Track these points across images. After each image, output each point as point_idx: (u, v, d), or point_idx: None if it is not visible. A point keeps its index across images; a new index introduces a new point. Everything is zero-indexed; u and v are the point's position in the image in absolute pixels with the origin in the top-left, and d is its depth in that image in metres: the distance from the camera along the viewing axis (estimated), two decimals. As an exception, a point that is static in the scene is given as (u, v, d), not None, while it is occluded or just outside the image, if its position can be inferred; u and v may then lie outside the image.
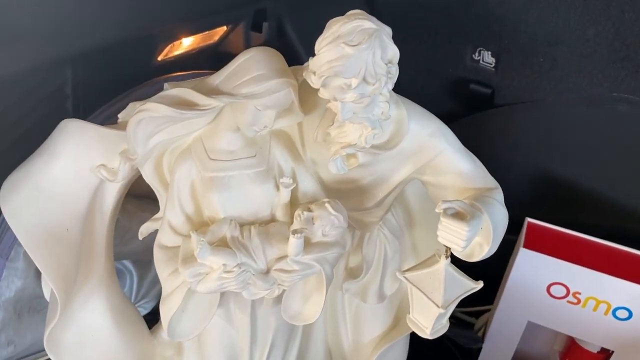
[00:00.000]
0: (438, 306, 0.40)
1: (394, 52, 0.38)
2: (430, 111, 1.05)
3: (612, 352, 0.70)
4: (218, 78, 0.40)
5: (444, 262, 0.40)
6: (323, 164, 0.45)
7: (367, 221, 0.49)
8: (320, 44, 0.37)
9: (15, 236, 0.54)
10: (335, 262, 0.44)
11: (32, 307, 0.57)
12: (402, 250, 0.54)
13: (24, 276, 0.55)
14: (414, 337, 0.64)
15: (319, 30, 0.85)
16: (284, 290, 0.44)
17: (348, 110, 0.38)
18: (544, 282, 0.69)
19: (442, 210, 0.39)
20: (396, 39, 0.92)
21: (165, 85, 0.46)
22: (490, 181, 0.45)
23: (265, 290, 0.42)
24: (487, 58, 0.84)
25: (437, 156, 0.44)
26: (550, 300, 0.70)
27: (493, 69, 0.84)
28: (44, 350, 0.61)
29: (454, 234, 0.38)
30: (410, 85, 0.94)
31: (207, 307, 0.44)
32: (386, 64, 0.37)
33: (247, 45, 0.72)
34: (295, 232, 0.40)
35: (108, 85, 0.60)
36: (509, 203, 0.93)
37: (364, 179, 0.45)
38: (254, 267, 0.41)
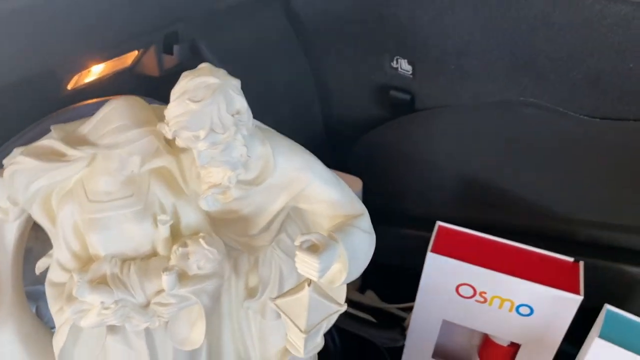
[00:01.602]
0: (301, 331, 0.43)
1: (240, 104, 0.40)
2: (358, 116, 1.08)
3: (520, 345, 0.74)
4: (87, 127, 0.43)
5: (307, 289, 0.43)
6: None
7: (257, 245, 0.52)
8: (171, 98, 0.40)
9: None
10: (216, 291, 0.47)
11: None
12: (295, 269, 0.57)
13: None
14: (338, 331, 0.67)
15: (235, 47, 0.86)
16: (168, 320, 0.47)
17: (205, 156, 0.40)
18: (453, 283, 0.73)
19: (298, 244, 0.42)
20: (319, 51, 0.95)
21: (52, 126, 0.48)
22: (358, 208, 0.48)
23: (146, 323, 0.45)
24: (404, 66, 0.87)
25: (307, 187, 0.47)
26: (460, 300, 0.73)
27: (411, 76, 0.87)
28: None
29: (308, 266, 0.41)
30: (336, 93, 0.97)
31: (96, 340, 0.47)
32: (233, 115, 0.40)
33: (162, 67, 0.74)
34: (165, 269, 0.43)
35: (18, 119, 0.62)
36: (427, 202, 0.97)
37: (243, 210, 0.48)
38: (133, 302, 0.44)
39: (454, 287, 0.73)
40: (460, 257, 0.71)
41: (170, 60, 0.74)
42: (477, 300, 0.73)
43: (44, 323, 0.59)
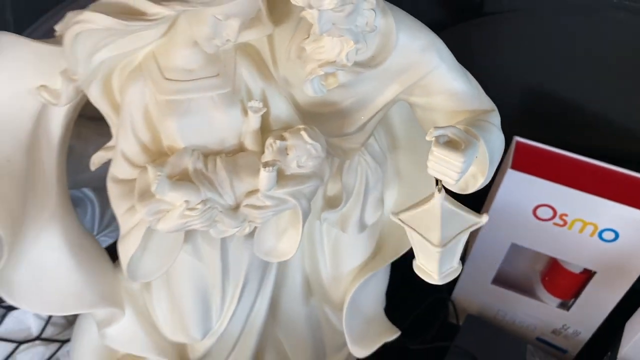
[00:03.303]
0: (434, 245, 0.36)
1: None
2: (423, 20, 0.98)
3: (595, 272, 0.69)
4: (169, -17, 0.34)
5: (439, 197, 0.36)
6: (298, 84, 0.39)
7: (347, 148, 0.44)
8: None
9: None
10: (313, 195, 0.39)
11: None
12: (384, 177, 0.50)
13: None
14: (394, 265, 0.62)
15: None
16: (255, 227, 0.40)
17: (326, 21, 0.32)
18: (530, 204, 0.66)
19: (433, 139, 0.34)
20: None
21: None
22: (487, 102, 0.40)
23: (235, 228, 0.38)
24: (477, -40, 0.77)
25: (428, 74, 0.38)
26: (536, 222, 0.67)
27: (483, -27, 0.77)
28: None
29: (447, 165, 0.33)
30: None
31: (171, 246, 0.40)
32: (373, -35, 0.31)
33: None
34: (266, 164, 0.35)
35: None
36: (496, 120, 0.88)
37: (344, 102, 0.40)
38: (221, 203, 0.37)
39: (531, 209, 0.67)
40: (543, 175, 0.64)
41: None
42: (555, 223, 0.67)
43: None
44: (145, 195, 0.36)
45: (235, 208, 0.37)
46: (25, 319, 0.61)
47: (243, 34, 0.35)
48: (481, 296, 0.78)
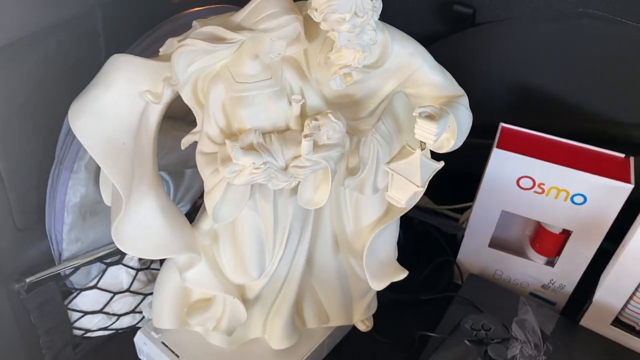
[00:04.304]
0: (418, 186, 0.52)
1: None
2: (419, 31, 1.15)
3: (572, 232, 0.84)
4: (239, 17, 0.51)
5: (418, 152, 0.53)
6: (325, 83, 0.56)
7: (362, 128, 0.61)
8: None
9: (77, 152, 0.66)
10: (338, 159, 0.56)
11: (94, 210, 0.70)
12: (391, 152, 0.66)
13: (86, 184, 0.67)
14: (403, 224, 0.77)
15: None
16: (299, 182, 0.57)
17: (344, 38, 0.49)
18: (514, 176, 0.81)
19: (417, 114, 0.51)
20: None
21: (194, 22, 0.56)
22: (458, 90, 0.56)
23: (285, 182, 0.54)
24: (468, -20, 0.93)
25: (415, 72, 0.55)
26: (519, 192, 0.82)
27: (473, -9, 0.93)
28: (103, 246, 0.75)
29: (427, 131, 0.50)
30: (401, 7, 1.03)
31: (240, 197, 0.57)
32: (372, 0, 0.48)
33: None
34: (306, 136, 0.52)
35: (133, 24, 0.70)
36: (487, 111, 1.05)
37: (357, 94, 0.57)
38: (276, 164, 0.53)
39: (514, 180, 0.82)
40: (522, 152, 0.80)
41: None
42: (535, 192, 0.82)
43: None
44: (226, 160, 0.53)
45: (285, 168, 0.54)
46: (119, 275, 0.78)
47: (288, 49, 0.52)
48: (481, 258, 0.92)
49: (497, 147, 0.81)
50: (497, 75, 0.97)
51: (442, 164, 0.54)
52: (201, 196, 0.84)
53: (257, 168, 0.52)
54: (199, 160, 0.56)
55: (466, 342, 0.72)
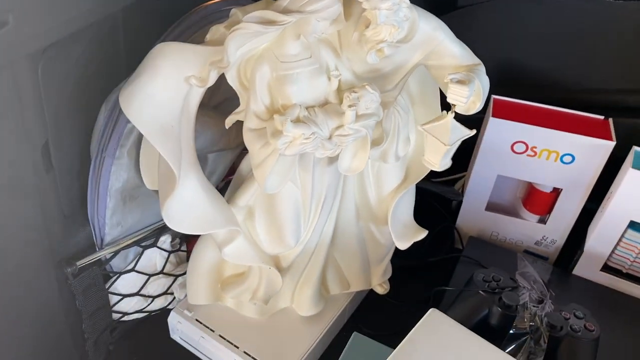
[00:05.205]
0: (445, 144, 0.59)
1: None
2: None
3: (561, 189, 0.93)
4: (285, 1, 0.56)
5: (449, 116, 0.59)
6: (356, 60, 0.62)
7: (386, 101, 0.67)
8: None
9: (118, 139, 0.70)
10: (373, 127, 0.62)
11: (132, 195, 0.74)
12: (408, 122, 0.73)
13: (128, 170, 0.71)
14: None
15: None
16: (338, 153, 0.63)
17: (384, 16, 0.55)
18: (508, 142, 0.89)
19: (449, 80, 0.57)
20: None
21: (233, 10, 0.61)
22: (475, 59, 0.63)
23: (330, 150, 0.60)
24: (450, -34, 1.00)
25: (438, 45, 0.62)
26: (513, 156, 0.90)
27: (456, -25, 1.00)
28: (138, 230, 0.79)
29: (459, 94, 0.57)
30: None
31: (288, 167, 0.62)
32: (407, -17, 0.54)
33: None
34: (350, 106, 0.58)
35: (156, 18, 0.74)
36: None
37: (385, 68, 0.63)
38: (321, 134, 0.59)
39: (509, 145, 0.90)
40: (515, 119, 0.88)
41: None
42: (528, 155, 0.90)
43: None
44: (276, 134, 0.58)
45: (330, 137, 0.60)
46: (153, 257, 0.81)
47: (330, 27, 0.57)
48: (478, 222, 1.00)
49: (493, 116, 0.88)
50: (482, 53, 1.04)
51: (474, 131, 0.60)
52: (223, 179, 0.89)
53: (307, 138, 0.58)
54: (248, 137, 0.61)
55: (481, 292, 0.79)
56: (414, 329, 0.66)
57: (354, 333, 0.81)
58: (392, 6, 0.54)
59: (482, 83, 0.60)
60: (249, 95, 0.61)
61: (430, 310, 0.68)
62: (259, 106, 0.60)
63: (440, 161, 0.62)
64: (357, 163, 0.64)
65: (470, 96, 0.57)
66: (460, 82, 0.57)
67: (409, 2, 0.56)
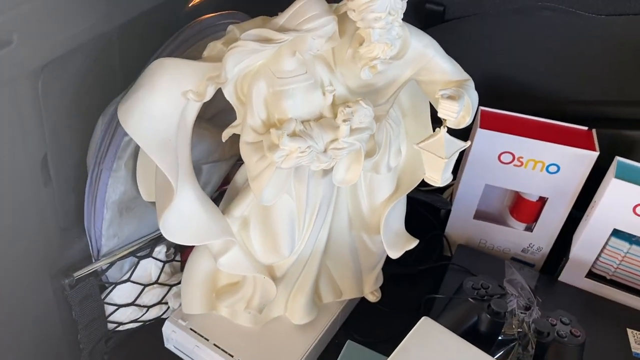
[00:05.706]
0: (442, 158, 0.61)
1: None
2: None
3: (547, 198, 0.95)
4: (281, 20, 0.57)
5: (442, 130, 0.61)
6: (350, 75, 0.63)
7: (379, 114, 0.68)
8: None
9: (115, 152, 0.71)
10: (367, 141, 0.64)
11: (129, 207, 0.74)
12: (400, 135, 0.75)
13: (125, 182, 0.72)
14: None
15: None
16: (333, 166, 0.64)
17: (377, 34, 0.57)
18: (495, 152, 0.92)
19: (440, 95, 0.59)
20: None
21: (230, 27, 0.62)
22: (464, 74, 0.66)
23: (325, 163, 0.62)
24: (439, -19, 1.03)
25: (429, 61, 0.64)
26: (500, 166, 0.93)
27: (444, -10, 1.03)
28: (134, 240, 0.80)
29: (449, 109, 0.59)
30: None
31: (284, 180, 0.64)
32: (401, 0, 0.56)
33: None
34: (345, 120, 0.60)
35: (150, 33, 0.75)
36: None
37: (378, 83, 0.65)
38: (317, 148, 0.61)
39: (496, 156, 0.92)
40: (502, 130, 0.90)
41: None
42: (514, 165, 0.92)
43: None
44: (272, 147, 0.60)
45: (325, 151, 0.61)
46: (148, 267, 0.82)
47: (325, 44, 0.59)
48: (467, 230, 1.03)
49: (481, 127, 0.91)
50: (467, 65, 1.07)
51: (468, 143, 0.63)
52: (217, 190, 0.90)
53: (303, 152, 0.59)
54: (245, 150, 0.63)
55: (470, 299, 0.81)
56: (406, 337, 0.67)
57: (348, 341, 0.82)
58: (385, 25, 0.56)
59: (471, 98, 0.62)
60: (246, 109, 0.62)
61: (423, 318, 0.70)
62: (255, 120, 0.62)
63: (442, 176, 0.64)
64: (351, 175, 0.66)
65: (460, 111, 0.59)
66: (450, 97, 0.59)
67: (401, 20, 0.58)
